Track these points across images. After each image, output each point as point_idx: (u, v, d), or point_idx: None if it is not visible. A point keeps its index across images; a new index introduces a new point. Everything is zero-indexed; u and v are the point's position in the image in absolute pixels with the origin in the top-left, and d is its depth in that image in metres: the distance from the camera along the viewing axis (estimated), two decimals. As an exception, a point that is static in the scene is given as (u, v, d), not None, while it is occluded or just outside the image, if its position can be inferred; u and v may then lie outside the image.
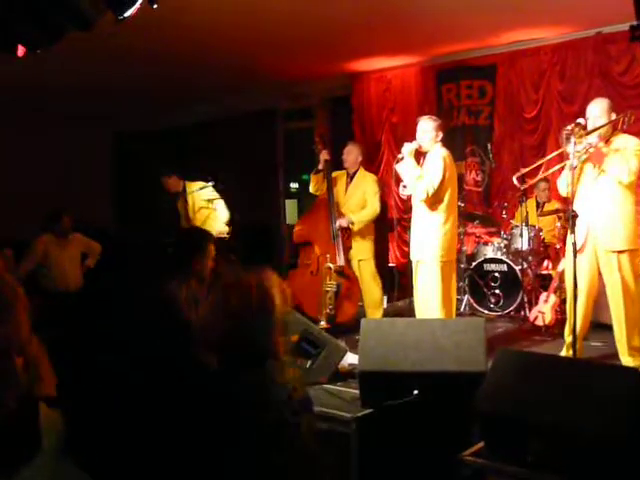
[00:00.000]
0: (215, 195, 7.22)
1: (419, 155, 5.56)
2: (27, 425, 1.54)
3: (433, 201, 5.37)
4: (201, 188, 7.20)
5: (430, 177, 5.31)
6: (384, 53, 8.57)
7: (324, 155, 6.40)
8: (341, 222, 6.21)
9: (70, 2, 3.11)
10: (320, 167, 6.44)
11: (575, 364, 3.66)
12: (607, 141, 4.88)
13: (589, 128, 4.83)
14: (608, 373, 3.03)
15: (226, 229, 7.14)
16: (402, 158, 5.46)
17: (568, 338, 4.94)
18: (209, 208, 7.20)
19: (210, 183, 7.26)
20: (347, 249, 6.23)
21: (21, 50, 4.05)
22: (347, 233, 6.22)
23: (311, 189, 6.66)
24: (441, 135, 5.49)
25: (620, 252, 4.87)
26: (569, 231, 4.62)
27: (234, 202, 7.43)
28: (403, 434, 3.56)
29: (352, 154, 6.41)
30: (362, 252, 6.31)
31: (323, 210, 6.34)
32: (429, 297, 5.43)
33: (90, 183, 12.25)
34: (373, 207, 6.28)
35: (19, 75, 7.36)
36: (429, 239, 5.44)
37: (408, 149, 5.44)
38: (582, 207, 4.80)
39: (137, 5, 3.66)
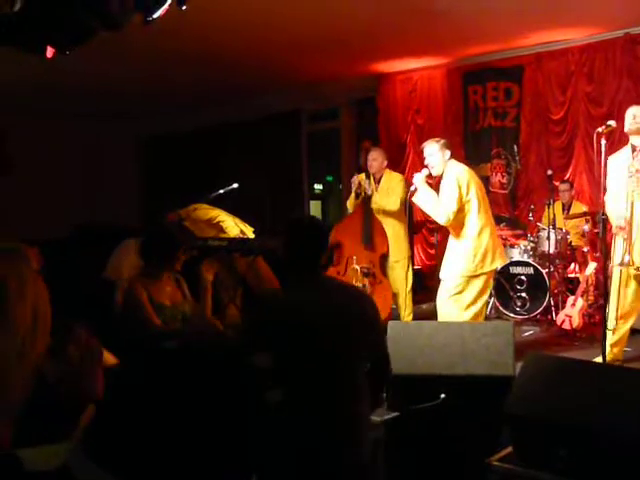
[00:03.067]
0: (213, 214, 6.40)
1: (437, 179, 5.44)
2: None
3: (456, 224, 5.28)
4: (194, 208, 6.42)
5: (446, 201, 5.19)
6: (410, 54, 8.54)
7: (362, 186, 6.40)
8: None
9: (99, 3, 3.12)
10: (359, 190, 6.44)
11: (607, 369, 3.62)
12: None
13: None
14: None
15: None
16: (416, 189, 5.34)
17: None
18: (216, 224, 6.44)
19: (234, 186, 7.17)
20: (381, 253, 6.22)
21: (50, 51, 4.07)
22: (382, 238, 6.20)
23: (349, 206, 6.68)
24: (449, 153, 5.33)
25: None
26: (599, 234, 4.58)
27: (258, 204, 7.19)
28: (430, 438, 3.54)
29: (378, 160, 6.44)
30: (395, 254, 6.32)
31: (358, 213, 6.39)
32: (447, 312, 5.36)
33: (117, 185, 12.35)
34: (396, 204, 6.28)
35: (44, 77, 7.42)
36: (452, 258, 5.38)
37: (419, 179, 5.32)
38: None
39: (165, 6, 3.67)
